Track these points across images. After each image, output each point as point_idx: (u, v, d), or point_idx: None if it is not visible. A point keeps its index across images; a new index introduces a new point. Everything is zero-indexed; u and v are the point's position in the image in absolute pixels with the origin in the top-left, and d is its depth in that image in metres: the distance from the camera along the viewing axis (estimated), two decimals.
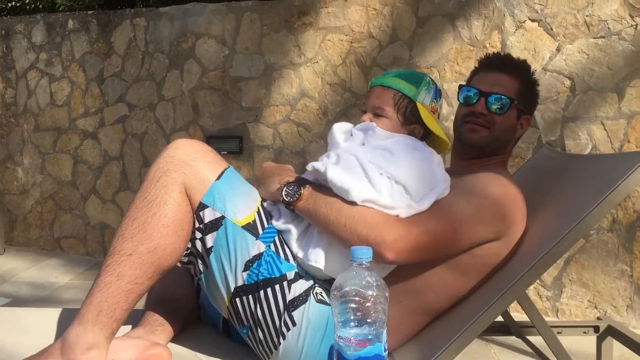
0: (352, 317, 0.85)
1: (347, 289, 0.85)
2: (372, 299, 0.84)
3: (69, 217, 4.53)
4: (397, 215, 1.30)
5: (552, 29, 3.13)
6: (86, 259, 4.37)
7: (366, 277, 0.86)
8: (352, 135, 1.46)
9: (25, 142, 4.65)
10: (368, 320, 0.85)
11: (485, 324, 1.28)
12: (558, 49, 3.12)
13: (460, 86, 1.60)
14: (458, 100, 1.61)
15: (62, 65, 4.46)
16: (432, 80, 1.50)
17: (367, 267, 0.87)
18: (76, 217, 4.50)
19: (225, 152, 3.91)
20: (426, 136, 1.50)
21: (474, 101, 1.55)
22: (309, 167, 1.39)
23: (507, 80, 1.55)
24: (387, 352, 0.87)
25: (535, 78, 1.63)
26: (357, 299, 0.85)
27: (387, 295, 0.86)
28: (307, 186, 1.36)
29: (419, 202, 1.32)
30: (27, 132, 4.63)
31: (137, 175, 4.26)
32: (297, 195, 1.35)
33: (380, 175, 1.34)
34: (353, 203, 1.29)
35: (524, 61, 1.63)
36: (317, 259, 1.33)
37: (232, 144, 3.95)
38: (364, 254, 0.86)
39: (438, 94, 1.51)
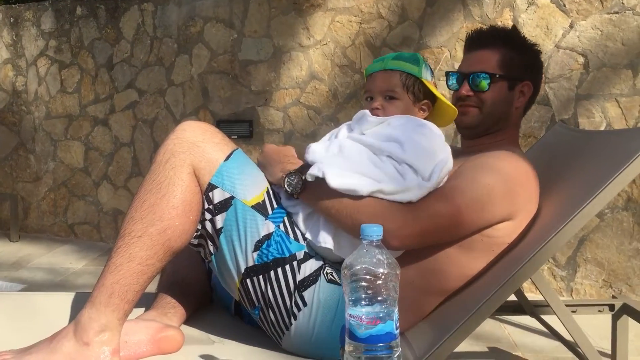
0: (363, 296, 0.84)
1: (357, 267, 0.85)
2: (383, 277, 0.83)
3: (82, 204, 4.56)
4: (408, 202, 1.29)
5: (564, 5, 3.08)
6: (100, 245, 4.40)
7: (377, 254, 0.85)
8: (351, 129, 1.45)
9: (37, 129, 4.67)
10: (379, 299, 0.84)
11: (497, 304, 1.27)
12: (571, 26, 3.07)
13: (446, 73, 1.62)
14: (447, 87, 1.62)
15: (72, 52, 4.46)
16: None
17: (377, 244, 0.86)
18: (89, 204, 4.53)
19: (236, 137, 3.90)
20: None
21: (458, 85, 1.56)
22: (309, 156, 1.37)
23: (487, 55, 1.54)
24: (398, 330, 0.87)
25: (526, 41, 1.59)
26: (367, 277, 0.84)
27: (398, 273, 0.85)
28: (309, 177, 1.34)
29: (428, 179, 1.31)
30: (38, 119, 4.65)
31: (148, 161, 4.27)
32: (298, 188, 1.35)
33: (383, 161, 1.33)
34: (359, 196, 1.29)
35: (505, 29, 1.63)
36: (326, 240, 1.33)
37: (242, 128, 3.94)
38: (374, 231, 0.85)
39: (432, 72, 1.53)
